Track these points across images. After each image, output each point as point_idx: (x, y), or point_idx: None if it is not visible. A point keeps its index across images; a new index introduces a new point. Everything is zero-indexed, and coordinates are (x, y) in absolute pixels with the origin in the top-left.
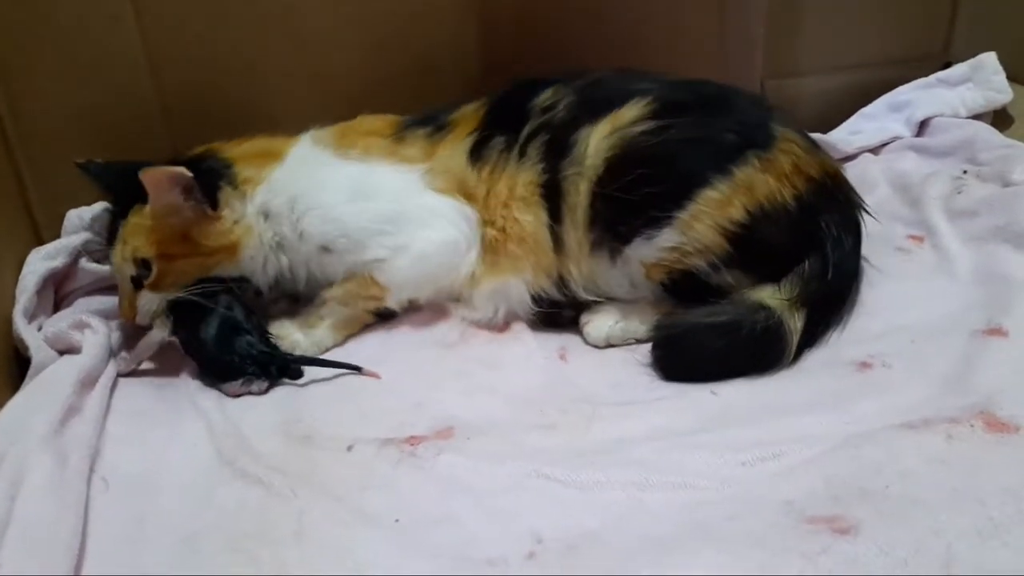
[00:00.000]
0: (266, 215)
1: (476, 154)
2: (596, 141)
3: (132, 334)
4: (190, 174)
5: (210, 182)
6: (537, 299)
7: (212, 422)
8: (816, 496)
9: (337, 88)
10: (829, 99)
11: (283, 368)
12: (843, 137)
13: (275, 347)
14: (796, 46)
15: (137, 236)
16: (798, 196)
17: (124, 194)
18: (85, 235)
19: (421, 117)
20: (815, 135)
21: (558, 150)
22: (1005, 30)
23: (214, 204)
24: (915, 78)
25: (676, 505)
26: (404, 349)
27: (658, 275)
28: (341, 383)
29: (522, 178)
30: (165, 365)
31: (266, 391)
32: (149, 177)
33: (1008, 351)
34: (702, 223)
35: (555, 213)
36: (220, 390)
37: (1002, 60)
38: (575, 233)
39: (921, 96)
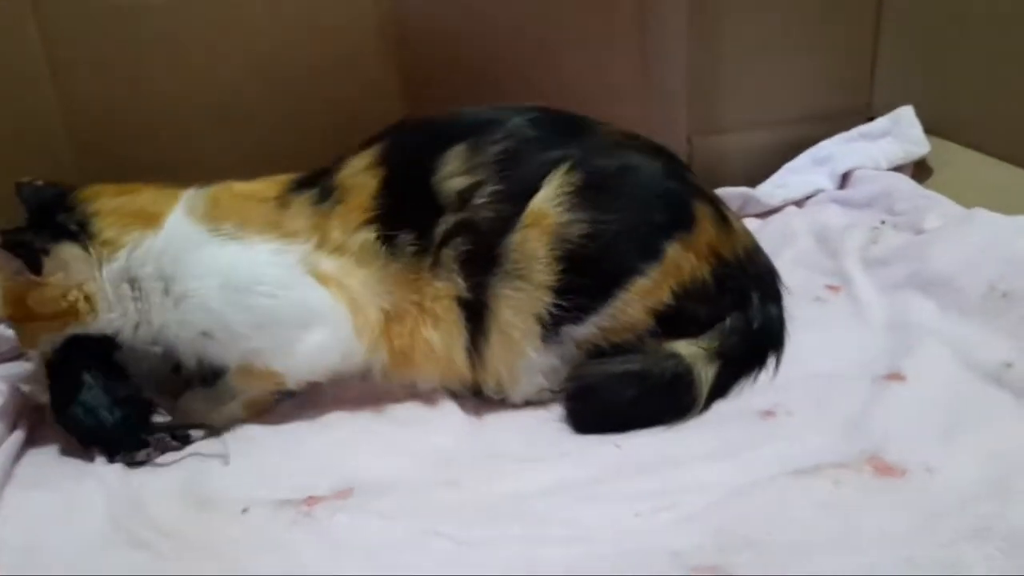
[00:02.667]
0: (131, 283)
1: (382, 248)
2: (542, 250)
3: None
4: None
5: (37, 246)
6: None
7: (111, 488)
8: (703, 546)
9: (254, 137)
10: (756, 154)
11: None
12: (769, 191)
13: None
14: (722, 103)
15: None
16: (714, 271)
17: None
18: None
19: (308, 176)
20: (742, 189)
21: (484, 261)
22: (921, 84)
23: (36, 269)
24: (839, 132)
25: (568, 559)
26: (315, 406)
27: (585, 348)
28: (248, 442)
29: (434, 290)
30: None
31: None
32: None
33: (904, 395)
34: (633, 307)
35: (477, 330)
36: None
37: (920, 112)
38: (503, 352)
39: (843, 149)
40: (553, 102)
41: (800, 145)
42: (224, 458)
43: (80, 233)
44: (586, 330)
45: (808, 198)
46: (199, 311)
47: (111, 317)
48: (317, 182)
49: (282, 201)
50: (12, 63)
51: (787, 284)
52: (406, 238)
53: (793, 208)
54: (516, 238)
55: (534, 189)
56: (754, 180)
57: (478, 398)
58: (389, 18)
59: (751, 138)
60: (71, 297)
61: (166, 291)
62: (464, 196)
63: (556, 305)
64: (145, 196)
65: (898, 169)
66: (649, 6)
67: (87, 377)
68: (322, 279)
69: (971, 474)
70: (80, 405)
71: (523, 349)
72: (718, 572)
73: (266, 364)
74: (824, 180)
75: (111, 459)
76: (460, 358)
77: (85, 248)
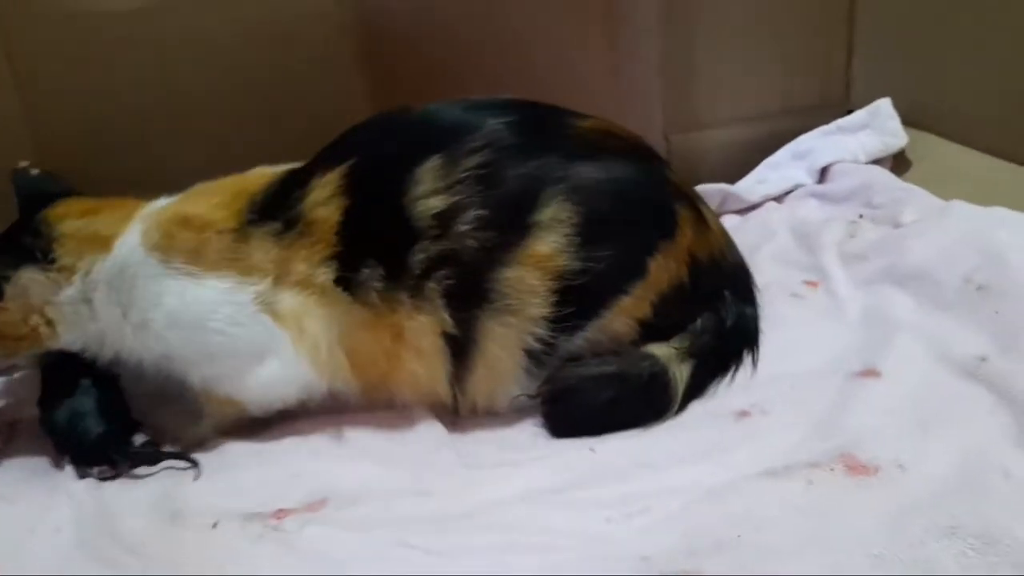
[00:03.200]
0: (88, 304)
1: (345, 288)
2: (536, 288)
3: None
4: None
5: (1, 271)
6: None
7: (81, 505)
8: (673, 550)
9: (221, 141)
10: (734, 150)
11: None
12: (749, 187)
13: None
14: (698, 99)
15: None
16: (691, 273)
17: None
18: None
19: (270, 198)
20: (721, 186)
21: (471, 295)
22: (899, 76)
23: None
24: (818, 126)
25: (537, 567)
26: (288, 417)
27: (567, 358)
28: (220, 454)
29: (416, 323)
30: (45, 449)
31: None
32: None
33: (878, 391)
34: (618, 321)
35: (462, 363)
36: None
37: (898, 104)
38: (487, 384)
39: (822, 143)
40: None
41: (778, 140)
42: (195, 470)
43: (41, 258)
44: (571, 347)
45: (787, 193)
46: (156, 339)
47: (70, 339)
48: (279, 211)
49: (241, 234)
50: None
51: (765, 280)
52: (376, 272)
53: (772, 204)
54: (510, 275)
55: (522, 215)
56: (733, 176)
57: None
58: (355, 18)
59: (729, 134)
60: (32, 322)
61: (124, 315)
62: (443, 219)
63: (544, 337)
64: (102, 218)
65: (877, 162)
66: (619, 3)
67: (83, 382)
68: (279, 318)
69: (944, 471)
70: (68, 409)
71: (507, 381)
72: (688, 575)
73: (225, 392)
74: (803, 175)
75: (81, 473)
76: (443, 388)
77: (45, 273)
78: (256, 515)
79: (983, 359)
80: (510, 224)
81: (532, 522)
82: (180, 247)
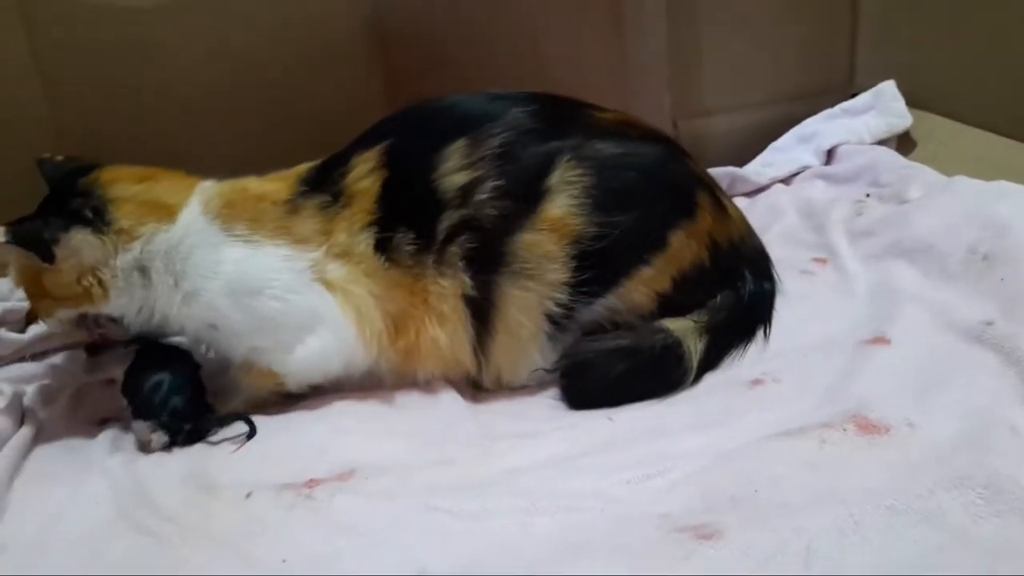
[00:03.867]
0: (142, 272)
1: (382, 251)
2: (553, 253)
3: None
4: (3, 239)
5: (47, 237)
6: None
7: (116, 480)
8: (691, 508)
9: (238, 134)
10: (741, 134)
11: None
12: (756, 170)
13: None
14: (705, 85)
15: (14, 267)
16: (712, 256)
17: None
18: (3, 305)
19: (318, 174)
20: (729, 169)
21: (490, 259)
22: (902, 57)
23: (47, 257)
24: (823, 110)
25: (560, 527)
26: (315, 394)
27: (586, 329)
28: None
29: (439, 288)
30: (79, 429)
31: (167, 448)
32: None
33: (887, 357)
34: (638, 293)
35: (483, 328)
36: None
37: (902, 86)
38: (509, 350)
39: (827, 126)
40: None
41: (785, 124)
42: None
43: (95, 220)
44: (591, 315)
45: (794, 175)
46: (206, 308)
47: (121, 303)
48: (326, 185)
49: (293, 206)
50: (2, 74)
51: (774, 259)
52: (407, 237)
53: (780, 186)
54: (527, 239)
55: (536, 183)
56: (741, 160)
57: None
58: (370, 13)
59: (736, 119)
60: (84, 282)
61: (176, 285)
62: (465, 191)
63: (564, 302)
64: (162, 186)
65: (882, 143)
66: None
67: (176, 355)
68: (329, 286)
69: (952, 428)
70: (153, 380)
71: (529, 347)
72: (706, 530)
73: (267, 364)
74: (809, 157)
75: (144, 438)
76: (465, 355)
77: (99, 235)
78: (288, 486)
79: (989, 323)
80: (525, 192)
81: (553, 486)
82: (241, 215)
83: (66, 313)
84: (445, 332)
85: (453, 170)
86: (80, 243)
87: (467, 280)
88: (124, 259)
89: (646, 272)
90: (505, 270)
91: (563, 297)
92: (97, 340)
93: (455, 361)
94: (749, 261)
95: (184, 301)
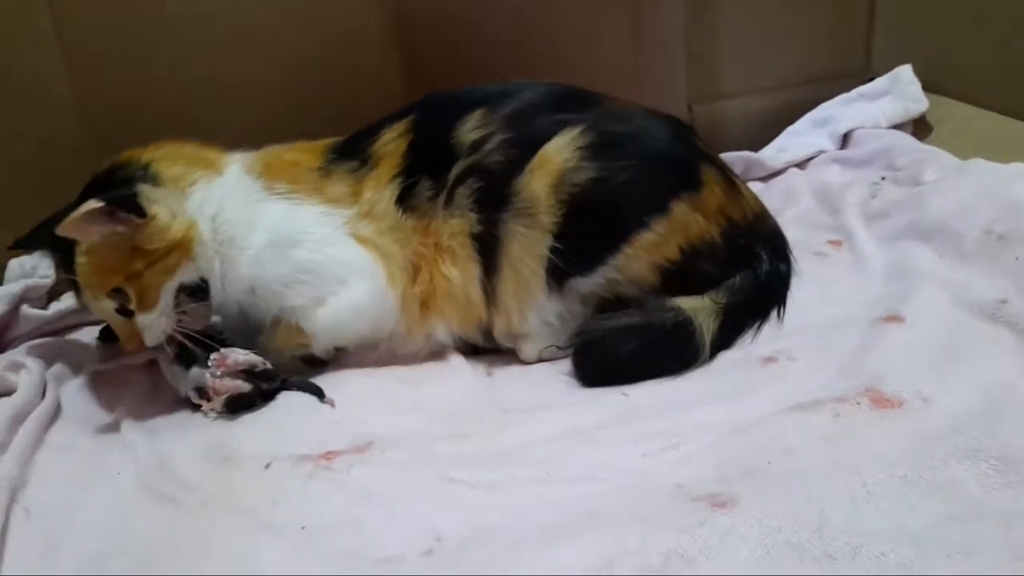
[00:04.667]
0: (206, 218)
1: (404, 201)
2: (544, 191)
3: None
4: (100, 204)
5: (126, 193)
6: (460, 340)
7: (138, 453)
8: (705, 478)
9: (257, 117)
10: (757, 119)
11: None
12: (771, 154)
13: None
14: (722, 69)
15: (92, 275)
16: (724, 233)
17: (56, 246)
18: (25, 282)
19: (346, 144)
20: (744, 153)
21: (495, 199)
22: (919, 42)
23: (140, 212)
24: (840, 94)
25: (574, 497)
26: (329, 372)
27: (592, 303)
28: (267, 406)
29: (450, 227)
30: (100, 404)
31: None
32: (67, 230)
33: (902, 335)
34: (639, 262)
35: (489, 265)
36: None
37: (918, 70)
38: (515, 286)
39: (843, 111)
40: (550, 72)
41: (800, 108)
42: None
43: (149, 178)
44: (593, 282)
45: (809, 159)
46: (251, 266)
47: (201, 253)
48: (354, 153)
49: (325, 171)
50: (26, 52)
51: (790, 242)
52: (425, 184)
53: (795, 170)
54: (524, 179)
55: (543, 139)
56: (756, 145)
57: (491, 354)
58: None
59: (752, 103)
60: (179, 224)
61: (220, 243)
62: (476, 144)
63: (560, 250)
64: (199, 149)
65: (898, 127)
66: None
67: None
68: (361, 241)
69: (966, 402)
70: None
71: (531, 287)
72: (720, 499)
73: (297, 321)
74: (825, 141)
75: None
76: (476, 294)
77: (160, 185)
78: (306, 457)
79: (1004, 301)
80: (531, 143)
81: (568, 457)
82: (280, 176)
83: (168, 289)
84: (456, 268)
85: (469, 130)
86: (150, 193)
87: (474, 219)
88: (190, 204)
89: (646, 237)
90: (508, 208)
91: (555, 244)
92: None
93: (467, 301)
94: (765, 241)
95: (236, 255)
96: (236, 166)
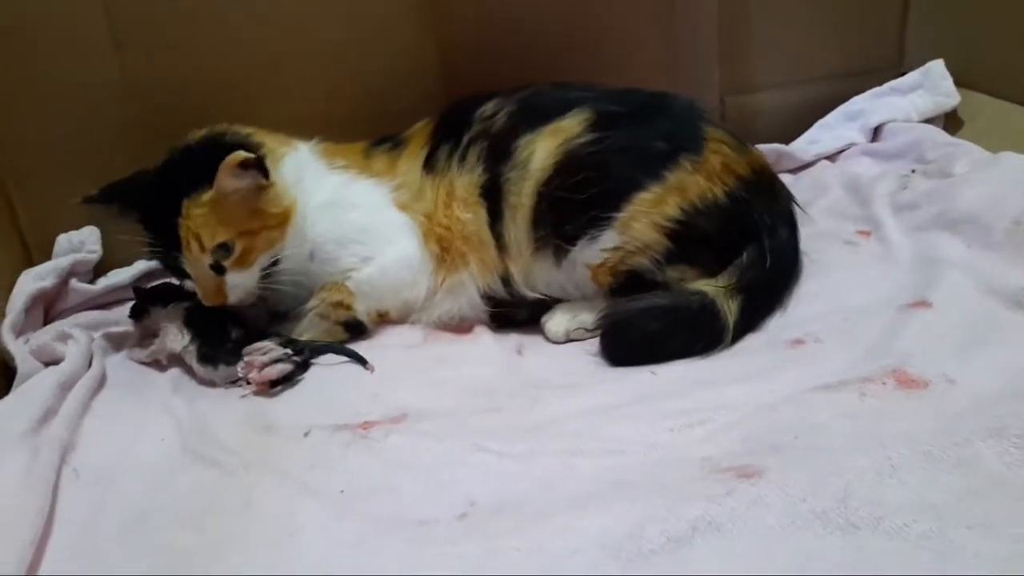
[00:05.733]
0: (293, 186)
1: (429, 165)
2: (543, 150)
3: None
4: (252, 155)
5: (258, 154)
6: (487, 297)
7: (181, 420)
8: (732, 452)
9: (301, 110)
10: (788, 112)
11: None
12: (802, 147)
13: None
14: (754, 62)
15: (208, 225)
16: (729, 192)
17: (149, 202)
18: (74, 257)
19: (379, 140)
20: (775, 146)
21: (498, 155)
22: (951, 37)
23: (266, 174)
24: (871, 88)
25: (603, 468)
26: (366, 350)
27: (604, 278)
28: (305, 381)
29: (462, 181)
30: (143, 371)
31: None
32: (227, 165)
33: (928, 319)
34: (639, 222)
35: (495, 212)
36: (213, 379)
37: (950, 66)
38: (515, 231)
39: (874, 104)
40: (584, 66)
41: (832, 102)
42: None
43: (256, 145)
44: (598, 248)
45: (840, 152)
46: (311, 226)
47: (294, 223)
48: (389, 139)
49: (368, 153)
50: (76, 33)
51: (818, 231)
52: (444, 149)
53: (825, 162)
54: (527, 139)
55: (550, 114)
56: (787, 137)
57: (520, 334)
58: None
59: (784, 96)
60: (292, 194)
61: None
62: (486, 117)
63: (555, 199)
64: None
65: (929, 122)
66: None
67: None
68: (401, 207)
69: (991, 384)
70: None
71: (527, 222)
72: (746, 470)
73: (348, 281)
74: (856, 134)
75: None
76: (486, 234)
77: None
78: (344, 426)
79: None
80: (537, 115)
81: (598, 431)
82: (336, 154)
83: (267, 256)
84: (469, 212)
85: (485, 110)
86: (268, 159)
87: (481, 172)
88: (283, 173)
89: (643, 197)
90: (508, 162)
91: (561, 194)
92: None
93: (480, 242)
94: (771, 195)
95: (299, 222)
96: (302, 144)
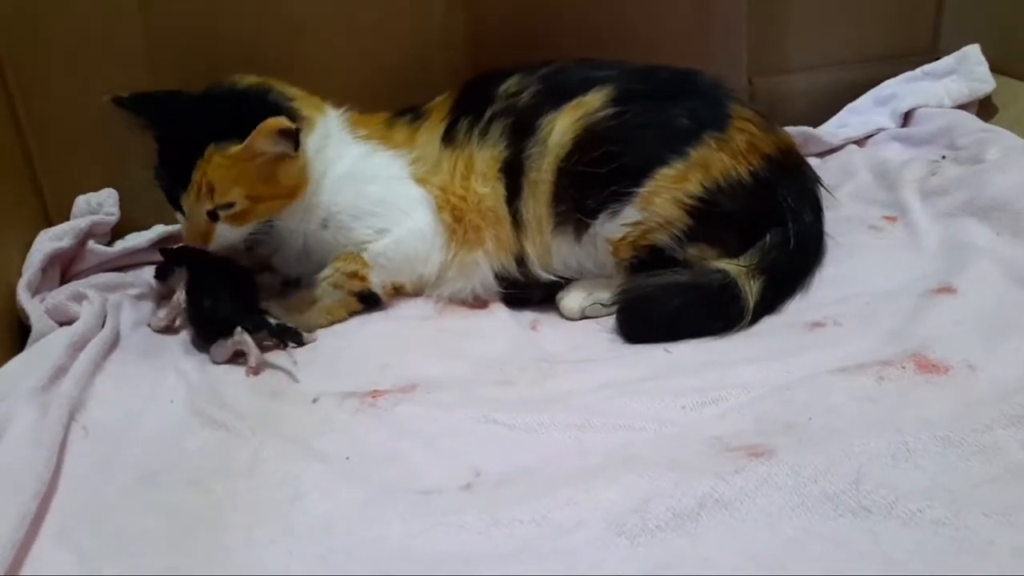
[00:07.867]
0: (316, 151)
1: (448, 138)
2: (562, 124)
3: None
4: (292, 125)
5: (297, 127)
6: (500, 278)
7: (191, 382)
8: (743, 431)
9: (328, 79)
10: (818, 95)
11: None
12: (830, 131)
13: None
14: (785, 44)
15: (221, 180)
16: (753, 171)
17: (175, 131)
18: (92, 218)
19: (401, 112)
20: (803, 129)
21: (521, 132)
22: (989, 22)
23: (296, 147)
24: (904, 72)
25: (612, 443)
26: (380, 321)
27: (625, 253)
28: (315, 348)
29: (482, 155)
30: (155, 334)
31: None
32: (267, 129)
33: (952, 305)
34: (661, 197)
35: (513, 189)
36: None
37: (986, 51)
38: (535, 208)
39: (906, 89)
40: (614, 44)
41: (864, 86)
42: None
43: (295, 113)
44: (619, 222)
45: (869, 136)
46: (330, 193)
47: (302, 196)
48: (409, 112)
49: (389, 124)
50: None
51: (844, 215)
52: (464, 122)
53: (853, 147)
54: (550, 116)
55: (574, 91)
56: (816, 121)
57: (535, 310)
58: None
59: (814, 79)
60: (307, 173)
61: (323, 171)
62: (511, 94)
63: (575, 170)
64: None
65: (962, 108)
66: None
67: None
68: (420, 181)
69: (1014, 371)
70: (209, 295)
71: (546, 199)
72: (757, 449)
73: (363, 251)
74: (885, 119)
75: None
76: (503, 210)
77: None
78: (353, 394)
79: None
80: (561, 94)
81: (609, 407)
82: (360, 124)
83: (261, 220)
84: (487, 186)
85: (508, 87)
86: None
87: (503, 148)
88: (311, 142)
89: (666, 172)
90: (530, 138)
91: (582, 168)
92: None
93: (495, 217)
94: (796, 172)
95: (321, 187)
96: (332, 111)
